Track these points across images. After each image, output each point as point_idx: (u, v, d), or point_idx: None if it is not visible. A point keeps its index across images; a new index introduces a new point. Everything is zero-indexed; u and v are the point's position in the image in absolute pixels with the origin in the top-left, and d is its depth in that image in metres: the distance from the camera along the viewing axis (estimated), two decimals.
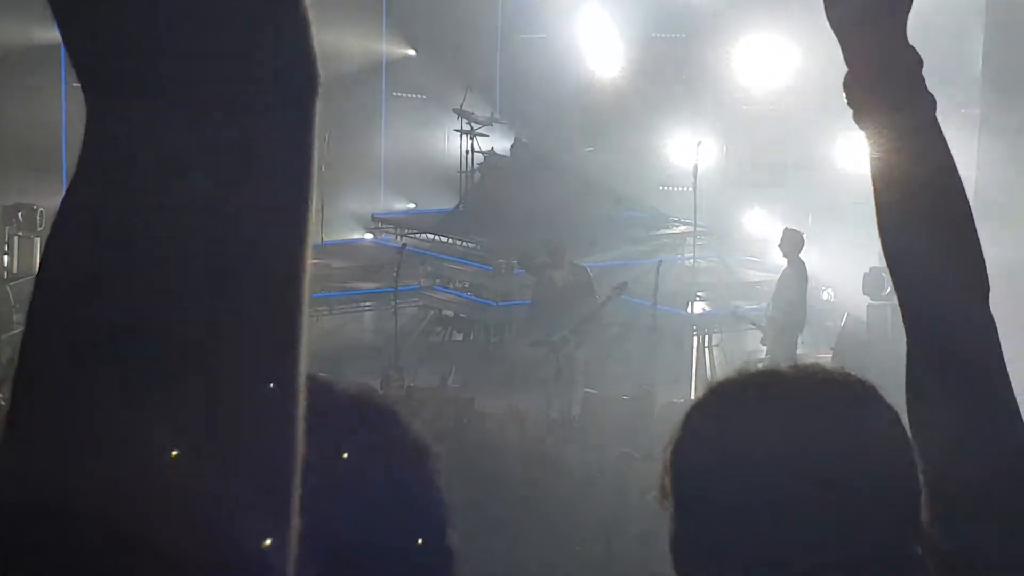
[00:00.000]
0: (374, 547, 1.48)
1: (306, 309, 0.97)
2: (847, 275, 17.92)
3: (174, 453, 0.87)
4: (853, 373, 2.01)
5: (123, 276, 0.89)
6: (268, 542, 0.93)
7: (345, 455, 1.49)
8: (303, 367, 0.98)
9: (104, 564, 0.87)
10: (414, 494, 1.53)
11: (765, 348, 18.10)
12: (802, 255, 17.41)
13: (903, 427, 2.00)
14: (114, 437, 0.87)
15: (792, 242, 16.91)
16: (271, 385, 0.92)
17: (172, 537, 0.88)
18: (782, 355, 16.54)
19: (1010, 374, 2.11)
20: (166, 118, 0.90)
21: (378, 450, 1.52)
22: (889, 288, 15.80)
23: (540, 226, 19.95)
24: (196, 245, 0.90)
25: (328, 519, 1.45)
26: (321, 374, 1.58)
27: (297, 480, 0.97)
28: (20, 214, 18.83)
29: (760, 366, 2.10)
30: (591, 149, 23.26)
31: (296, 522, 0.97)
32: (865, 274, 17.04)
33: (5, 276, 18.51)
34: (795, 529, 1.89)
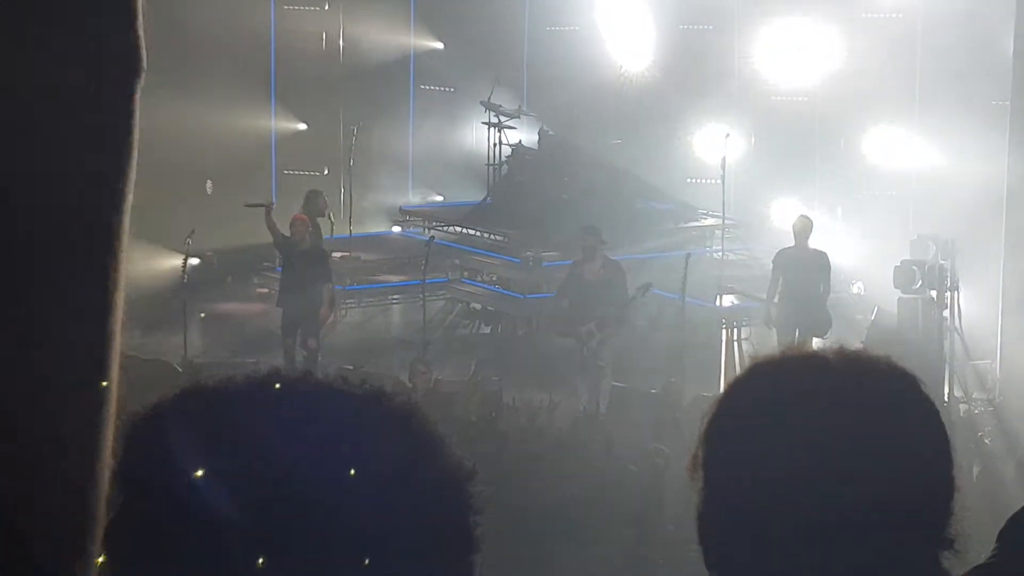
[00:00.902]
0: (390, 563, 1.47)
1: (119, 276, 1.01)
2: (877, 268, 17.85)
3: None
4: (896, 362, 2.01)
5: None
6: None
7: (379, 474, 1.48)
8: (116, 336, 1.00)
9: None
10: (442, 522, 1.51)
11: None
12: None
13: (940, 419, 2.00)
14: None
15: (801, 227, 17.10)
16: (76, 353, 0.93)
17: None
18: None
19: None
20: None
21: (415, 477, 1.51)
22: (920, 281, 15.85)
23: (568, 219, 19.94)
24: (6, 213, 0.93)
25: (351, 532, 1.45)
26: (367, 384, 1.57)
27: (99, 445, 0.97)
28: None
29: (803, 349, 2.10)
30: (619, 141, 23.21)
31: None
32: (896, 267, 16.97)
33: None
34: (824, 511, 1.89)
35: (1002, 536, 2.16)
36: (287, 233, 17.31)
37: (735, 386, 2.03)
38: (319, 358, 16.85)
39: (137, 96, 1.04)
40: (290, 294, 17.23)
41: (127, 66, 1.01)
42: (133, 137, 1.04)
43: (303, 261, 17.12)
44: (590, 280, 16.81)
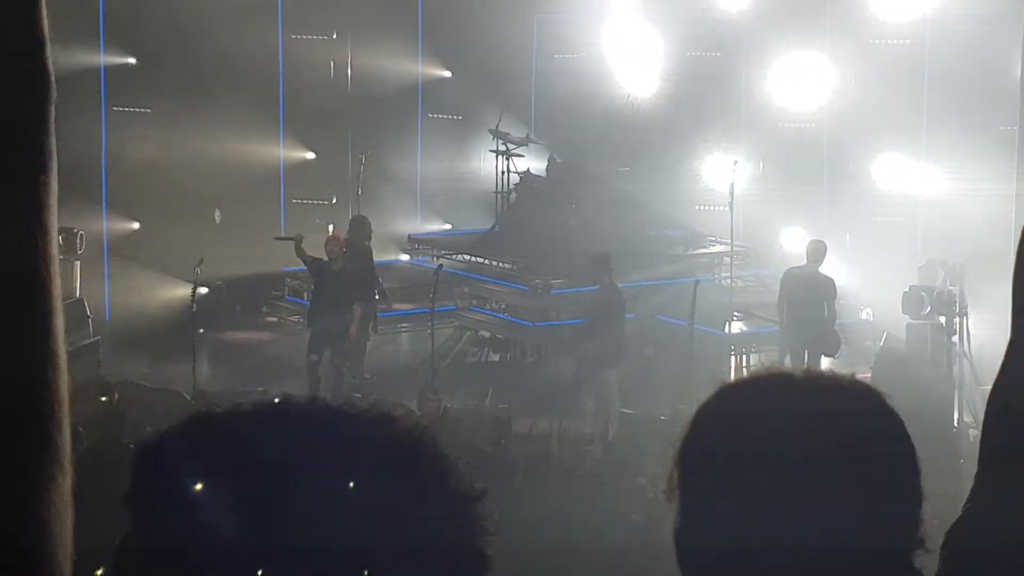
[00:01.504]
0: None
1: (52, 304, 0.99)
2: (886, 294, 17.83)
3: None
4: (859, 378, 2.06)
5: None
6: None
7: (384, 490, 1.49)
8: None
9: None
10: (453, 543, 1.52)
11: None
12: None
13: (905, 430, 2.05)
14: None
15: (813, 250, 17.21)
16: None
17: None
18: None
19: None
20: None
21: (420, 495, 1.52)
22: (928, 307, 15.86)
23: (576, 246, 19.95)
24: None
25: (358, 555, 1.45)
26: (372, 404, 1.58)
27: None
28: (61, 237, 18.92)
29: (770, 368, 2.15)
30: (627, 169, 23.22)
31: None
32: (904, 293, 16.95)
33: None
34: (796, 527, 1.93)
35: (945, 547, 2.20)
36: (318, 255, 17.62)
37: (705, 407, 2.09)
38: (346, 377, 17.40)
39: (51, 122, 1.03)
40: (320, 314, 17.47)
41: (37, 90, 1.01)
42: (50, 168, 1.02)
43: (335, 282, 17.32)
44: (589, 306, 17.06)
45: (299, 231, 18.28)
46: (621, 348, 16.72)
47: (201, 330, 18.05)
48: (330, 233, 18.66)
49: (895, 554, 1.98)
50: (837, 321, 17.14)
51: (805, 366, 2.30)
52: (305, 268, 18.28)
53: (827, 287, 17.06)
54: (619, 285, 17.25)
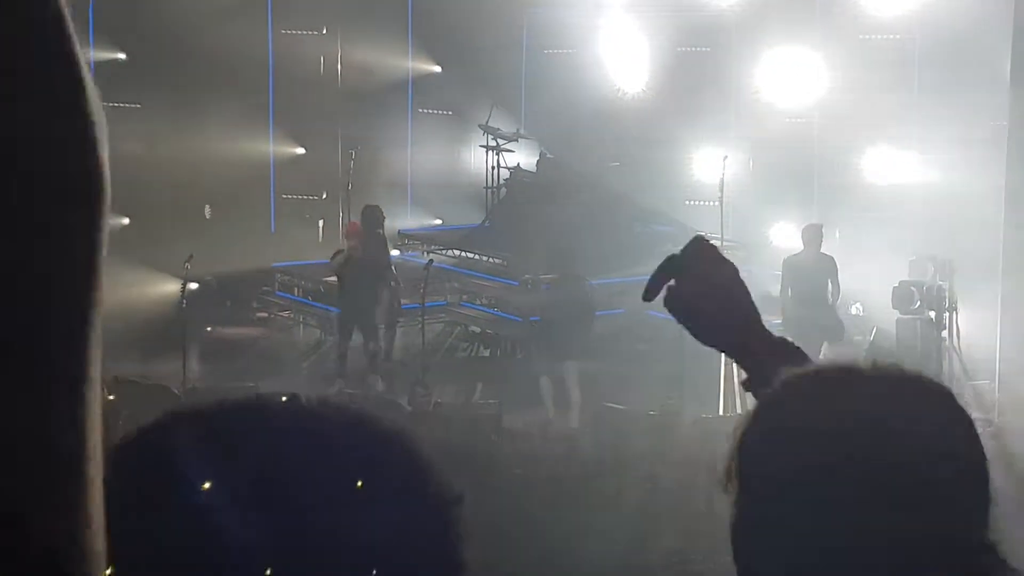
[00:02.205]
0: None
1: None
2: (876, 289, 17.86)
3: None
4: (930, 377, 2.02)
5: None
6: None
7: (358, 491, 1.48)
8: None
9: None
10: (424, 548, 1.51)
11: None
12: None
13: (976, 433, 2.01)
14: None
15: (810, 235, 17.35)
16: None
17: None
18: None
19: None
20: None
21: (396, 497, 1.51)
22: (918, 302, 15.91)
23: (566, 241, 19.95)
24: None
25: (329, 551, 1.45)
26: (349, 403, 1.58)
27: (88, 474, 0.95)
28: None
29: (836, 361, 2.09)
30: (617, 164, 23.23)
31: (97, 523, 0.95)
32: (894, 288, 16.98)
33: None
34: (861, 525, 1.89)
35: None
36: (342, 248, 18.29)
37: (771, 398, 2.03)
38: (380, 358, 17.93)
39: (103, 232, 0.98)
40: (348, 303, 18.00)
41: (82, 196, 0.96)
42: (94, 285, 0.98)
43: (357, 270, 17.78)
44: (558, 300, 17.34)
45: (338, 247, 18.62)
46: (583, 341, 16.90)
47: (190, 326, 18.05)
48: (348, 223, 18.98)
49: (965, 552, 1.93)
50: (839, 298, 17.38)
51: (871, 360, 2.23)
52: (331, 263, 18.70)
53: (829, 267, 17.20)
54: (588, 280, 17.36)
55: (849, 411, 1.95)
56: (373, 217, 18.98)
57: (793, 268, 17.38)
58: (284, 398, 1.55)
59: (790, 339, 2.45)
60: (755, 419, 2.01)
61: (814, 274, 17.14)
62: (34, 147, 0.92)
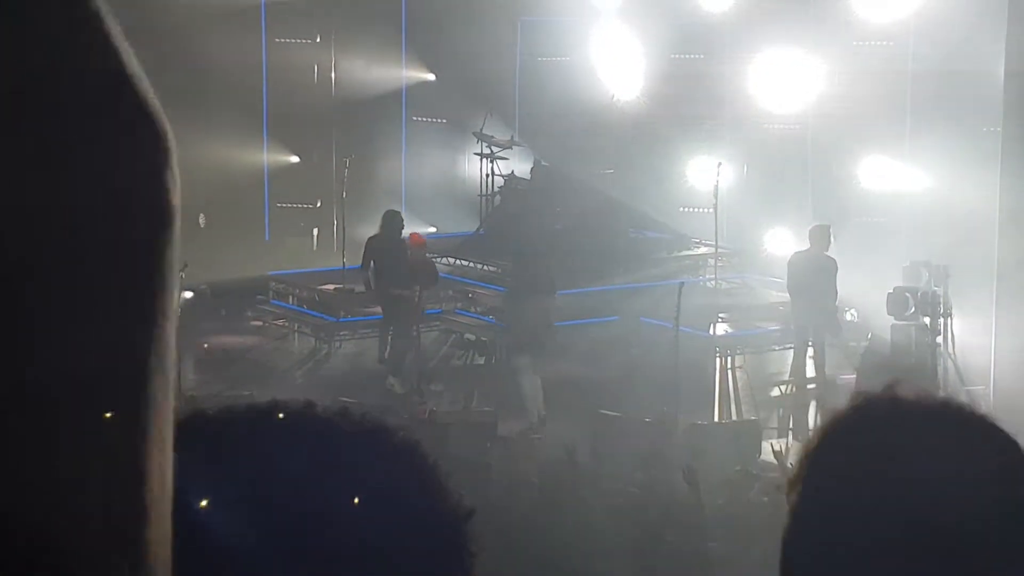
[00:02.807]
0: None
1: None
2: (871, 295, 17.87)
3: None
4: (1002, 426, 2.00)
5: None
6: (109, 415, 0.91)
7: (370, 503, 1.48)
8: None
9: None
10: (439, 561, 1.51)
11: (789, 369, 18.14)
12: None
13: None
14: None
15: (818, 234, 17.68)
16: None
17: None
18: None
19: None
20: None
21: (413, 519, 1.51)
22: (913, 308, 15.93)
23: (561, 248, 19.96)
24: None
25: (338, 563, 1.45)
26: (365, 413, 1.57)
27: (154, 352, 0.95)
28: None
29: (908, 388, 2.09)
30: (611, 171, 23.24)
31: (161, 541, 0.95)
32: (889, 294, 17.01)
33: None
34: (911, 563, 1.89)
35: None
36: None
37: (848, 417, 2.02)
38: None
39: (169, 253, 0.96)
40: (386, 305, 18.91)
41: (152, 219, 0.94)
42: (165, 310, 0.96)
43: (387, 273, 18.61)
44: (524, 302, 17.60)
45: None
46: (544, 339, 17.24)
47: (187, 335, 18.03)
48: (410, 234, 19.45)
49: None
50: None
51: (944, 396, 2.20)
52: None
53: (831, 268, 17.48)
54: (554, 289, 17.64)
55: (922, 442, 1.94)
56: (392, 222, 19.19)
57: (796, 265, 17.65)
58: (299, 406, 1.54)
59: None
60: (828, 435, 2.00)
61: (817, 272, 17.37)
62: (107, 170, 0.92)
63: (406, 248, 19.01)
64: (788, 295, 18.14)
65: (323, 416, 1.53)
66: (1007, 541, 1.91)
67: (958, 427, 1.98)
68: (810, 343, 17.91)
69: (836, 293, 17.62)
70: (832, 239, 17.81)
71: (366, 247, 19.12)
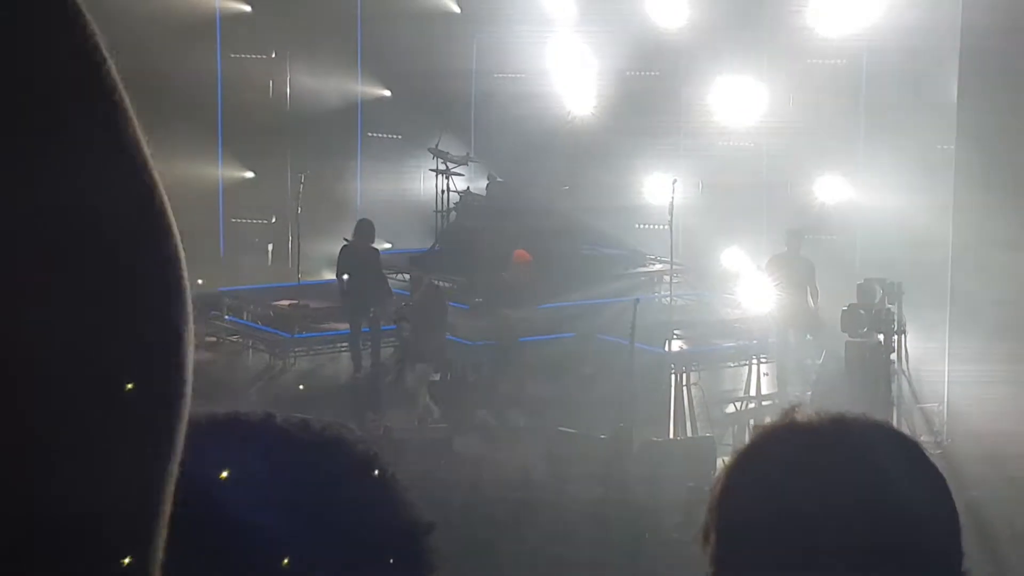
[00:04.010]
0: None
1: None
2: (825, 312, 17.95)
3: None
4: (896, 428, 2.05)
5: None
6: (127, 560, 0.90)
7: (334, 520, 1.47)
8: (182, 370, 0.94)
9: None
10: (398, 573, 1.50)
11: (744, 386, 18.21)
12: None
13: (946, 484, 2.03)
14: None
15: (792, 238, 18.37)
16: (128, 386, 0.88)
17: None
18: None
19: None
20: None
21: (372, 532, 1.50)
22: (867, 326, 16.03)
23: (516, 265, 19.97)
24: None
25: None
26: (326, 425, 1.56)
27: (165, 494, 0.94)
28: None
29: (801, 414, 2.10)
30: (567, 187, 23.27)
31: (161, 541, 0.94)
32: (843, 311, 17.08)
33: None
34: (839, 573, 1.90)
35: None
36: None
37: (743, 456, 2.05)
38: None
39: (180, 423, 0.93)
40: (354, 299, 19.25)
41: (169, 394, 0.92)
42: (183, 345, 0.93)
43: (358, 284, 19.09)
44: (412, 306, 18.55)
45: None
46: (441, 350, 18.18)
47: None
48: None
49: None
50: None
51: (834, 412, 2.22)
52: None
53: (808, 268, 18.10)
54: (439, 285, 18.56)
55: (819, 465, 1.97)
56: (369, 230, 19.53)
57: (775, 265, 18.21)
58: (258, 418, 1.53)
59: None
60: (728, 478, 2.03)
61: (794, 272, 17.89)
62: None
63: (378, 256, 19.39)
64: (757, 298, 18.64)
65: (282, 427, 1.52)
66: (910, 541, 1.94)
67: (853, 438, 2.00)
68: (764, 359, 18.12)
69: (818, 292, 18.19)
70: (802, 241, 18.49)
71: (339, 256, 19.49)
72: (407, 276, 21.42)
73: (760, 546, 1.94)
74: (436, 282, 18.94)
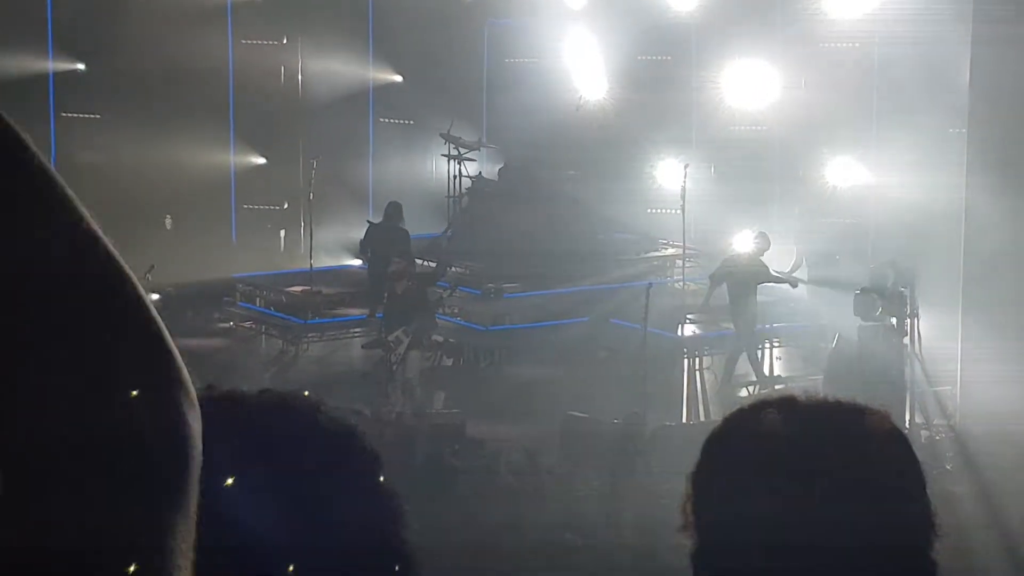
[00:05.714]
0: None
1: None
2: (838, 296, 17.92)
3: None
4: (863, 401, 2.08)
5: None
6: (132, 568, 0.91)
7: (317, 484, 1.49)
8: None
9: None
10: (380, 533, 1.52)
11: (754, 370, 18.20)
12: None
13: (913, 452, 2.08)
14: None
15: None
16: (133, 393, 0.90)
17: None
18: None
19: None
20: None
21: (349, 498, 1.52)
22: (880, 309, 15.99)
23: (528, 250, 19.99)
24: None
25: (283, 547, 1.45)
26: (309, 399, 1.58)
27: (187, 496, 0.95)
28: None
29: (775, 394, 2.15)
30: (575, 173, 23.26)
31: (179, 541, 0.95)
32: (856, 295, 17.05)
33: None
34: (810, 549, 1.94)
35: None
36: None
37: (715, 438, 2.09)
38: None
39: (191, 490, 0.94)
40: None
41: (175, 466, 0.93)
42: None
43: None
44: (400, 293, 17.93)
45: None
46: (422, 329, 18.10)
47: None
48: None
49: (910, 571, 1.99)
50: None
51: (802, 390, 2.29)
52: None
53: (762, 271, 18.42)
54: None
55: (787, 441, 2.01)
56: (396, 212, 20.48)
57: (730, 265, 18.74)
58: (223, 392, 1.55)
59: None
60: (702, 459, 2.08)
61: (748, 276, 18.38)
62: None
63: (407, 237, 20.16)
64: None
65: (253, 402, 1.54)
66: (891, 524, 1.98)
67: (821, 415, 2.05)
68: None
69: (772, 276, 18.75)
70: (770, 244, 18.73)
71: (365, 234, 20.72)
72: (425, 262, 21.49)
73: (733, 517, 1.99)
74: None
